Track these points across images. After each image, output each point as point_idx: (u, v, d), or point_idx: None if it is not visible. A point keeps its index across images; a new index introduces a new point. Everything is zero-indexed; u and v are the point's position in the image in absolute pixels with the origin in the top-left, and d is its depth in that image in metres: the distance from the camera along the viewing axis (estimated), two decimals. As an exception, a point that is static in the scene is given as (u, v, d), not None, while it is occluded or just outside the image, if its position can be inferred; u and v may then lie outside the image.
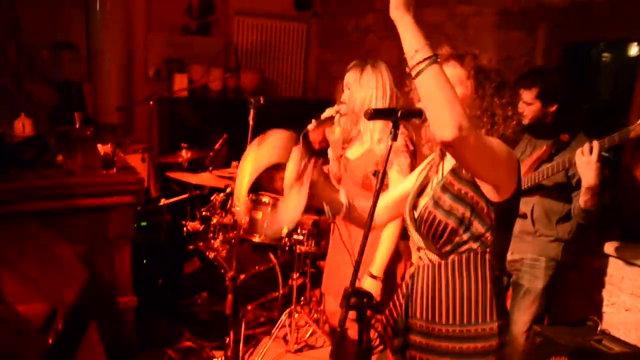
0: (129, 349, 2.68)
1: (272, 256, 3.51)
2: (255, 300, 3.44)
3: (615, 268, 2.86)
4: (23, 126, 3.18)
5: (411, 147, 2.23)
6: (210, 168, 3.73)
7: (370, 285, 2.18)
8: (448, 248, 1.50)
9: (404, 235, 2.00)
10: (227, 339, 3.26)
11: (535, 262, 2.64)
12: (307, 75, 5.75)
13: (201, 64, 5.02)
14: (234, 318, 3.22)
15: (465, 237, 1.47)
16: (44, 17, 4.57)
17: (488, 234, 1.47)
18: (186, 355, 3.19)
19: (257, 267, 3.42)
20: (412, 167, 2.18)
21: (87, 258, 2.52)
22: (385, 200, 1.76)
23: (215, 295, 3.27)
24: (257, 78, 5.18)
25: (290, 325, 3.38)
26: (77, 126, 3.86)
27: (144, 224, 3.90)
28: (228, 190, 3.40)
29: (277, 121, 3.89)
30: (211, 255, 3.25)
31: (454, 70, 1.48)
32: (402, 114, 1.38)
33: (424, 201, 1.57)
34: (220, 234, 3.38)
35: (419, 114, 1.42)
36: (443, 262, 1.52)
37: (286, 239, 3.33)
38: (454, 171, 1.50)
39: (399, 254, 2.71)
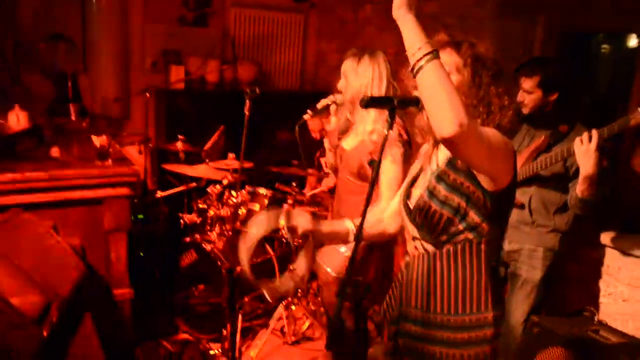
0: (125, 341, 2.68)
1: (269, 248, 3.50)
2: (252, 292, 3.43)
3: (612, 259, 2.86)
4: (18, 118, 3.16)
5: (405, 137, 2.22)
6: (207, 160, 3.72)
7: None
8: (444, 238, 1.49)
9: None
10: (224, 332, 3.26)
11: (533, 253, 2.64)
12: (305, 67, 5.72)
13: (198, 56, 4.98)
14: (230, 310, 3.22)
15: (461, 227, 1.47)
16: (41, 9, 4.54)
17: (484, 224, 1.47)
18: (183, 348, 3.18)
19: (254, 260, 3.41)
20: (406, 157, 2.18)
21: (82, 250, 2.51)
22: (393, 207, 1.76)
23: (212, 288, 3.26)
24: (254, 70, 5.15)
25: (287, 317, 3.37)
26: (73, 118, 3.85)
27: (140, 216, 3.89)
28: (225, 182, 3.38)
29: (274, 113, 3.91)
30: (208, 247, 3.24)
31: (450, 57, 1.47)
32: (398, 103, 1.37)
33: (417, 191, 1.57)
34: (217, 226, 3.37)
35: (416, 102, 1.41)
36: (438, 251, 1.51)
37: (283, 231, 3.32)
38: (449, 161, 1.50)
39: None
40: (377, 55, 2.28)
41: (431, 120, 1.30)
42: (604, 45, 3.97)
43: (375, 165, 1.34)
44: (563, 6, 3.28)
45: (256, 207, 3.25)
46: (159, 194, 3.76)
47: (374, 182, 1.35)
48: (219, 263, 3.18)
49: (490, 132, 1.40)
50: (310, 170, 3.53)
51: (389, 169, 2.16)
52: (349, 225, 1.74)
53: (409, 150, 2.22)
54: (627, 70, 3.18)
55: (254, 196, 3.28)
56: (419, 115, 1.57)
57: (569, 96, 2.53)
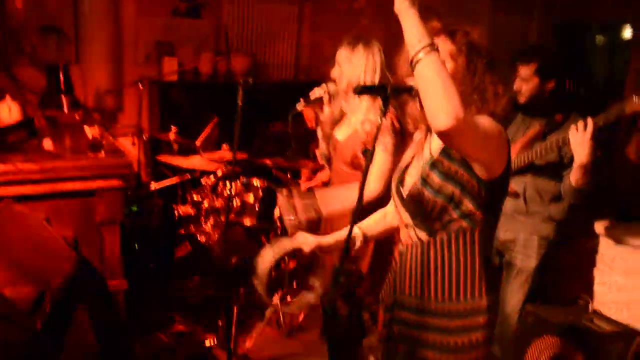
0: (120, 332, 2.67)
1: (264, 240, 3.49)
2: (247, 284, 3.43)
3: (607, 248, 2.86)
4: (9, 110, 3.13)
5: (397, 126, 2.21)
6: (201, 151, 3.70)
7: None
8: (437, 226, 1.49)
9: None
10: (219, 323, 3.27)
11: (528, 242, 2.65)
12: (299, 59, 5.69)
13: (191, 48, 4.95)
14: (225, 302, 3.22)
15: (455, 215, 1.46)
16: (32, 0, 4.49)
17: (478, 212, 1.46)
18: (178, 339, 3.18)
19: (249, 251, 3.40)
20: (397, 146, 2.17)
21: (75, 242, 2.50)
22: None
23: (206, 279, 3.26)
24: (248, 61, 5.12)
25: (282, 308, 3.37)
26: (65, 110, 3.82)
27: (134, 208, 3.87)
28: (219, 173, 3.37)
29: (268, 104, 3.88)
30: (202, 239, 3.23)
31: (444, 45, 1.46)
32: (391, 90, 1.36)
33: (410, 179, 1.56)
34: (212, 217, 3.36)
35: (409, 90, 1.40)
36: (432, 239, 1.51)
37: (278, 223, 3.32)
38: (443, 150, 1.49)
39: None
40: (372, 45, 2.27)
41: (427, 113, 1.30)
42: (599, 36, 3.97)
43: (369, 154, 1.33)
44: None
45: (250, 198, 3.24)
46: (153, 185, 3.74)
47: (367, 171, 1.34)
48: (213, 254, 3.17)
49: (485, 121, 1.40)
50: (303, 162, 3.51)
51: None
52: (355, 230, 1.76)
53: (401, 140, 2.21)
54: (622, 61, 3.18)
55: (248, 187, 3.27)
56: (412, 103, 1.56)
57: (565, 85, 2.53)
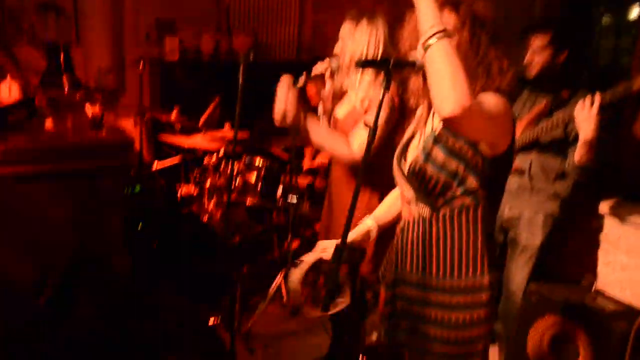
0: (122, 313, 2.68)
1: (267, 218, 3.49)
2: (251, 262, 3.44)
3: (611, 227, 2.84)
4: (9, 89, 3.11)
5: (396, 101, 2.18)
6: (203, 130, 3.68)
7: None
8: (440, 202, 1.48)
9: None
10: (223, 302, 3.28)
11: (533, 219, 2.64)
12: (302, 38, 5.63)
13: (192, 26, 4.91)
14: (229, 281, 3.23)
15: (458, 191, 1.45)
16: (30, -22, 4.44)
17: (482, 189, 1.45)
18: (182, 318, 3.19)
19: (252, 230, 3.41)
20: (391, 121, 2.15)
21: (78, 221, 2.50)
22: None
23: (210, 259, 3.26)
24: (249, 40, 5.07)
25: (286, 287, 3.37)
26: (66, 90, 3.79)
27: (137, 188, 3.87)
28: (221, 152, 3.36)
29: (271, 84, 3.84)
30: (205, 218, 3.22)
31: (448, 18, 1.43)
32: (394, 64, 1.33)
33: (412, 155, 1.54)
34: (214, 196, 3.36)
35: (412, 64, 1.37)
36: (434, 215, 1.50)
37: (281, 201, 3.30)
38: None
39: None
40: (376, 20, 2.22)
41: (433, 98, 1.28)
42: (606, 17, 3.90)
43: (371, 130, 1.30)
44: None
45: (253, 177, 3.22)
46: (156, 165, 3.73)
47: (369, 147, 1.32)
48: (216, 233, 3.17)
49: (491, 100, 1.37)
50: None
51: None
52: (369, 223, 1.78)
53: (401, 116, 2.19)
54: (630, 39, 3.13)
55: (250, 166, 3.26)
56: (414, 78, 1.54)
57: (575, 59, 2.51)
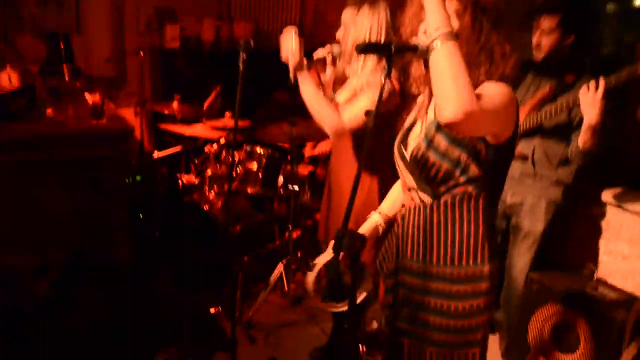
0: (123, 303, 2.68)
1: (268, 208, 3.49)
2: (252, 251, 3.44)
3: (614, 216, 2.84)
4: (9, 78, 3.11)
5: (397, 86, 2.16)
6: (204, 119, 3.67)
7: None
8: (442, 189, 1.47)
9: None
10: (224, 291, 3.28)
11: (535, 205, 2.64)
12: (303, 25, 5.59)
13: (193, 14, 4.87)
14: (230, 270, 3.23)
15: (461, 179, 1.44)
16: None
17: (484, 177, 1.43)
18: (183, 307, 3.20)
19: (253, 219, 3.40)
20: (391, 104, 2.14)
21: (79, 210, 2.50)
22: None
23: (211, 248, 3.26)
24: (250, 28, 5.04)
25: (287, 276, 3.38)
26: (67, 78, 3.78)
27: (139, 178, 3.87)
28: (222, 141, 3.35)
29: (272, 72, 3.82)
30: (206, 207, 3.22)
31: (450, 2, 1.40)
32: (396, 49, 1.31)
33: (413, 141, 1.53)
34: (215, 185, 3.35)
35: (414, 49, 1.36)
36: (435, 202, 1.48)
37: (282, 190, 3.30)
38: None
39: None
40: (378, 5, 2.20)
41: (435, 101, 1.28)
42: (610, 4, 3.86)
43: (371, 115, 1.29)
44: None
45: (254, 165, 3.22)
46: (156, 154, 3.73)
47: (371, 132, 1.31)
48: (217, 222, 3.17)
49: (494, 93, 1.35)
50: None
51: (361, 100, 2.13)
52: (376, 218, 1.77)
53: (397, 101, 2.18)
54: (633, 30, 3.10)
55: (251, 155, 3.25)
56: (416, 64, 1.52)
57: (582, 42, 2.49)
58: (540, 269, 2.70)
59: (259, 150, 3.24)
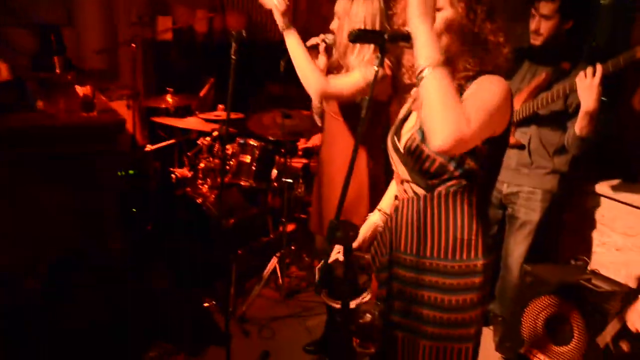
0: (117, 297, 2.66)
1: (262, 201, 3.47)
2: (245, 245, 3.42)
3: (608, 208, 2.84)
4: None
5: (388, 72, 2.14)
6: (197, 112, 3.64)
7: None
8: (435, 182, 1.45)
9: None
10: (218, 285, 3.27)
11: (531, 195, 2.64)
12: (297, 18, 5.56)
13: (186, 6, 4.83)
14: (224, 263, 3.21)
15: (456, 173, 1.42)
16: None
17: (479, 170, 1.42)
18: (176, 302, 3.18)
19: (247, 212, 3.38)
20: (383, 92, 2.14)
21: (71, 205, 2.47)
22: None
23: (205, 241, 3.24)
24: (243, 20, 5.01)
25: (281, 270, 3.37)
26: (58, 71, 3.74)
27: (131, 172, 3.84)
28: (215, 133, 3.32)
29: (265, 64, 3.79)
30: (200, 200, 3.20)
31: None
32: (389, 37, 1.29)
33: (407, 133, 1.51)
34: (208, 179, 3.33)
35: (407, 37, 1.33)
36: (429, 195, 1.47)
37: (275, 183, 3.28)
38: None
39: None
40: None
41: (425, 128, 1.27)
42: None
43: (366, 102, 1.27)
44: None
45: (247, 158, 3.20)
46: (149, 147, 3.70)
47: (365, 120, 1.29)
48: (211, 216, 3.15)
49: (487, 95, 1.33)
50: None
51: (356, 75, 2.12)
52: (374, 219, 1.78)
53: (388, 90, 2.16)
54: (626, 22, 3.08)
55: (244, 147, 3.22)
56: (409, 54, 1.50)
57: (580, 28, 2.48)
58: (536, 260, 2.70)
59: (252, 142, 3.22)
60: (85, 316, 2.45)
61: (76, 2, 4.59)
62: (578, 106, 2.31)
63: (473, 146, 1.31)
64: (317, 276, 1.61)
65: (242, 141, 3.24)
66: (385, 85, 2.16)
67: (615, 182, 2.82)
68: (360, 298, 1.59)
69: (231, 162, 3.23)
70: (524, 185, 2.65)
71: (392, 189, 1.79)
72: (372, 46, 2.14)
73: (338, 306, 1.41)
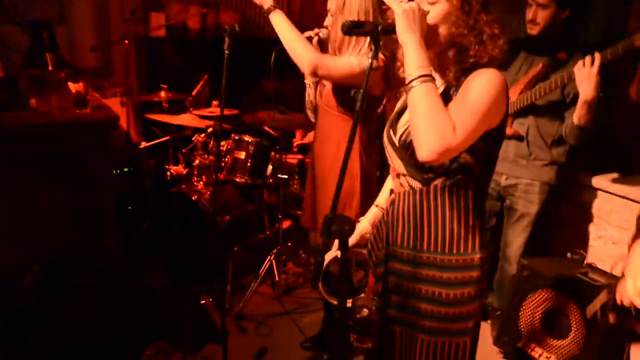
0: (113, 296, 2.64)
1: (257, 197, 3.46)
2: (241, 242, 3.41)
3: (604, 201, 2.84)
4: (-10, 67, 3.03)
5: (381, 64, 2.13)
6: (191, 109, 3.62)
7: None
8: (431, 175, 1.44)
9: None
10: (214, 282, 3.25)
11: (529, 187, 2.65)
12: (291, 13, 5.54)
13: (179, 3, 4.80)
14: (220, 261, 3.20)
15: (452, 166, 1.41)
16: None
17: (475, 164, 1.41)
18: (174, 300, 3.17)
19: (242, 209, 3.37)
20: (377, 84, 2.13)
21: (66, 203, 2.46)
22: None
23: (201, 239, 3.22)
24: (237, 16, 4.99)
25: (277, 267, 3.35)
26: (50, 68, 3.71)
27: (126, 169, 3.82)
28: (209, 130, 3.30)
29: (259, 61, 3.78)
30: (195, 197, 3.18)
31: None
32: (383, 29, 1.28)
33: (403, 127, 1.50)
34: (204, 176, 3.31)
35: (401, 30, 1.32)
36: (425, 188, 1.46)
37: (271, 179, 3.27)
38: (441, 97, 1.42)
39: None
40: None
41: (413, 139, 1.31)
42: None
43: (360, 95, 1.26)
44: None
45: (242, 154, 3.18)
46: (143, 144, 3.68)
47: (359, 112, 1.28)
48: (206, 213, 3.13)
49: (479, 94, 1.32)
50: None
51: (351, 58, 2.11)
52: (372, 215, 1.78)
53: (382, 85, 2.15)
54: (622, 15, 3.07)
55: (239, 144, 3.21)
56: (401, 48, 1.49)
57: (576, 17, 2.48)
58: (533, 252, 2.70)
59: (247, 139, 3.20)
60: (84, 316, 2.43)
61: (69, -1, 4.56)
62: (575, 96, 2.30)
63: (463, 150, 1.34)
64: (313, 272, 1.60)
65: (237, 137, 3.22)
66: (379, 78, 2.15)
67: (611, 175, 2.82)
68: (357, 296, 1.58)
69: (226, 159, 3.21)
70: (522, 178, 2.65)
71: (388, 184, 1.78)
72: (367, 41, 2.13)
73: (335, 302, 1.40)
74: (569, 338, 2.44)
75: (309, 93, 2.49)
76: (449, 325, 1.48)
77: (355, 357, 2.36)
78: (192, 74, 4.10)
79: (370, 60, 1.26)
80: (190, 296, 3.20)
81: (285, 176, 3.22)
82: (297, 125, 3.42)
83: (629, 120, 2.85)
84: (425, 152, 1.26)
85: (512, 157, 2.65)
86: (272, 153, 3.26)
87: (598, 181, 2.83)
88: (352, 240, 1.74)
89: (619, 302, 1.46)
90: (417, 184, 1.47)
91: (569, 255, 2.64)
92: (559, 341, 2.48)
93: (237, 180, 3.20)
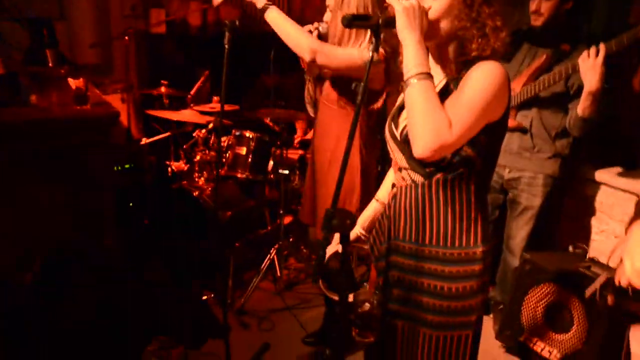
0: (114, 293, 2.64)
1: (259, 193, 3.46)
2: (242, 238, 3.40)
3: (606, 195, 2.83)
4: (-10, 64, 3.03)
5: (382, 57, 2.12)
6: (192, 105, 3.61)
7: None
8: (433, 169, 1.44)
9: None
10: (216, 278, 3.25)
11: (533, 180, 2.64)
12: (291, 9, 5.53)
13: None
14: (221, 257, 3.20)
15: (454, 160, 1.40)
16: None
17: (477, 157, 1.40)
18: (175, 297, 3.17)
19: (243, 204, 3.37)
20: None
21: (66, 200, 2.45)
22: None
23: (202, 234, 3.22)
24: (237, 12, 4.97)
25: (278, 262, 3.35)
26: (51, 65, 3.70)
27: (127, 166, 3.82)
28: (210, 126, 3.30)
29: (260, 56, 3.77)
30: (196, 193, 3.18)
31: None
32: (383, 21, 1.27)
33: (404, 121, 1.49)
34: (205, 171, 3.31)
35: (402, 22, 1.31)
36: (427, 182, 1.45)
37: (272, 175, 3.26)
38: (441, 93, 1.41)
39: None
40: None
41: (409, 136, 1.31)
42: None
43: (360, 88, 1.25)
44: None
45: (243, 150, 3.18)
46: (144, 140, 3.67)
47: (359, 106, 1.27)
48: (208, 209, 3.13)
49: (477, 88, 1.31)
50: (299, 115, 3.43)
51: (352, 49, 2.11)
52: (372, 210, 1.78)
53: (382, 79, 2.14)
54: (623, 12, 3.06)
55: (240, 139, 3.20)
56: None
57: (579, 8, 2.47)
58: (536, 245, 2.70)
59: (248, 134, 3.20)
60: (84, 315, 2.43)
61: (69, -5, 4.55)
62: (579, 87, 2.29)
63: (460, 145, 1.34)
64: (314, 267, 1.59)
65: (237, 133, 3.22)
66: (379, 72, 2.14)
67: (614, 169, 2.81)
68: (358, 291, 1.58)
69: (227, 155, 3.21)
70: (526, 171, 2.64)
71: (389, 179, 1.78)
72: (367, 36, 2.12)
73: (336, 297, 1.40)
74: (571, 332, 2.44)
75: (309, 88, 2.49)
76: (452, 319, 1.48)
77: (357, 352, 2.36)
78: (192, 70, 4.09)
79: (371, 53, 1.26)
80: (190, 295, 3.20)
81: (287, 172, 3.21)
82: (299, 119, 3.41)
83: (634, 111, 2.84)
84: (420, 149, 1.28)
85: (515, 150, 2.64)
86: (273, 148, 3.25)
87: (601, 175, 2.82)
88: (352, 234, 1.74)
89: (617, 283, 1.46)
90: (419, 178, 1.47)
91: (570, 249, 2.63)
92: (561, 335, 2.48)
93: (238, 175, 3.19)
